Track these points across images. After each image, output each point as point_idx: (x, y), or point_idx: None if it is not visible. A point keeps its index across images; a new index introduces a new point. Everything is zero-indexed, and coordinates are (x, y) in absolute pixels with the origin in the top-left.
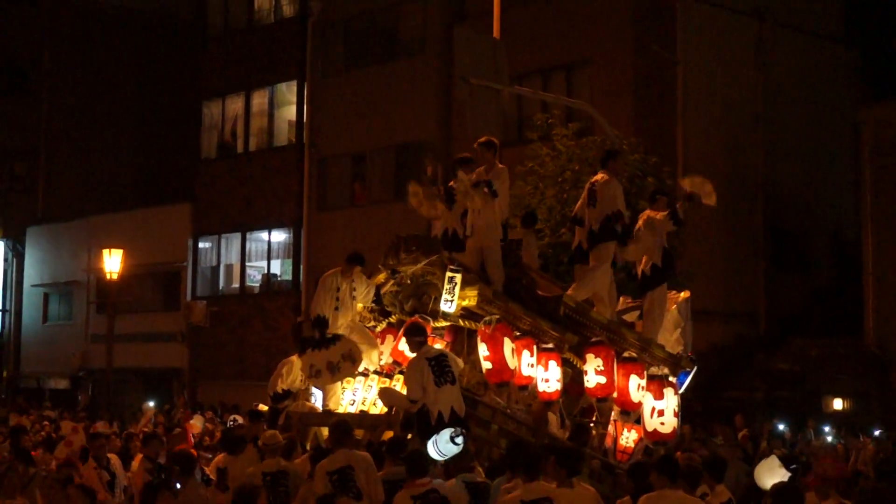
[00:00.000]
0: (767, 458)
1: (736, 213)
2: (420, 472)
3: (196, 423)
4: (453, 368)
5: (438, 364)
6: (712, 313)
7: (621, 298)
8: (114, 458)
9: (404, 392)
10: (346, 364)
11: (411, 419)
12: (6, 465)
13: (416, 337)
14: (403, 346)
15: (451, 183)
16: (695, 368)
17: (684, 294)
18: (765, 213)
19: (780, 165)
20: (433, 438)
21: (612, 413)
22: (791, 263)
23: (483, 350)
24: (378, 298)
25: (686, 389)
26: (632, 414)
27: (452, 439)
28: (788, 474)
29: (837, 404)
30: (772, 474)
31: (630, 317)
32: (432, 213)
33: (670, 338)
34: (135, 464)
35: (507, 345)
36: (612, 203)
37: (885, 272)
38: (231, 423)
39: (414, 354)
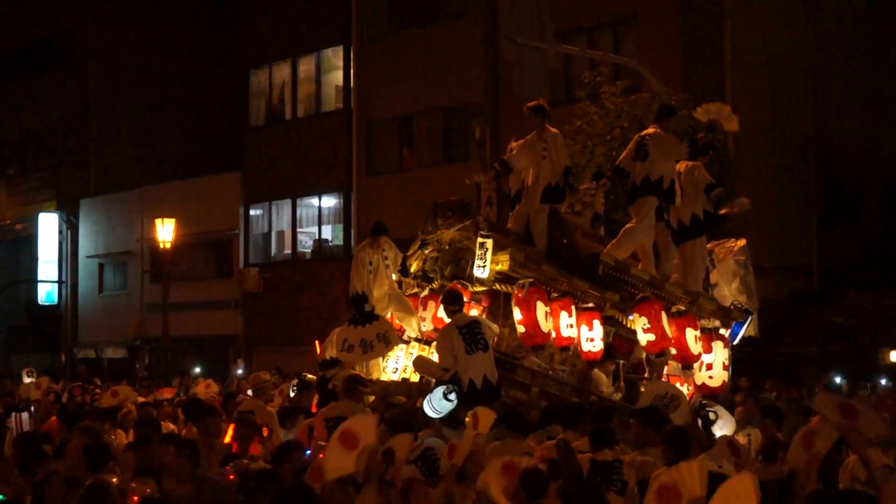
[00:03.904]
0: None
1: (787, 166)
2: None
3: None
4: (486, 335)
5: (470, 331)
6: (765, 268)
7: None
8: (171, 426)
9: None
10: (379, 344)
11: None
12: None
13: (451, 306)
14: (442, 313)
15: (506, 157)
16: (749, 318)
17: (740, 242)
18: (816, 165)
19: (831, 117)
20: (427, 397)
21: (666, 368)
22: (844, 216)
23: (517, 314)
24: (404, 267)
25: (741, 342)
26: (694, 367)
27: (446, 396)
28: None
29: (894, 356)
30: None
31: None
32: None
33: (730, 287)
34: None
35: (541, 308)
36: (672, 159)
37: None
38: (293, 389)
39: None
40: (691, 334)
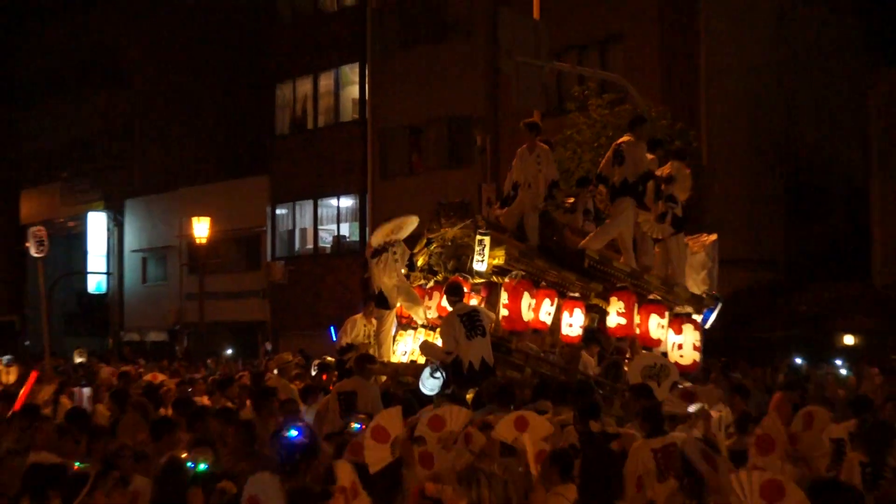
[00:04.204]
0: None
1: (757, 169)
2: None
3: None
4: (484, 322)
5: (470, 319)
6: (736, 261)
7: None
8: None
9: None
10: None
11: (446, 369)
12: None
13: (452, 297)
14: (445, 303)
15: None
16: (719, 305)
17: (712, 237)
18: (784, 170)
19: (798, 126)
20: (420, 379)
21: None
22: (809, 215)
23: (503, 298)
24: (411, 263)
25: (712, 327)
26: (653, 350)
27: (432, 374)
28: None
29: (849, 340)
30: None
31: None
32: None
33: (697, 277)
34: None
35: (526, 299)
36: (642, 164)
37: (890, 221)
38: (315, 368)
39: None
40: (655, 321)
